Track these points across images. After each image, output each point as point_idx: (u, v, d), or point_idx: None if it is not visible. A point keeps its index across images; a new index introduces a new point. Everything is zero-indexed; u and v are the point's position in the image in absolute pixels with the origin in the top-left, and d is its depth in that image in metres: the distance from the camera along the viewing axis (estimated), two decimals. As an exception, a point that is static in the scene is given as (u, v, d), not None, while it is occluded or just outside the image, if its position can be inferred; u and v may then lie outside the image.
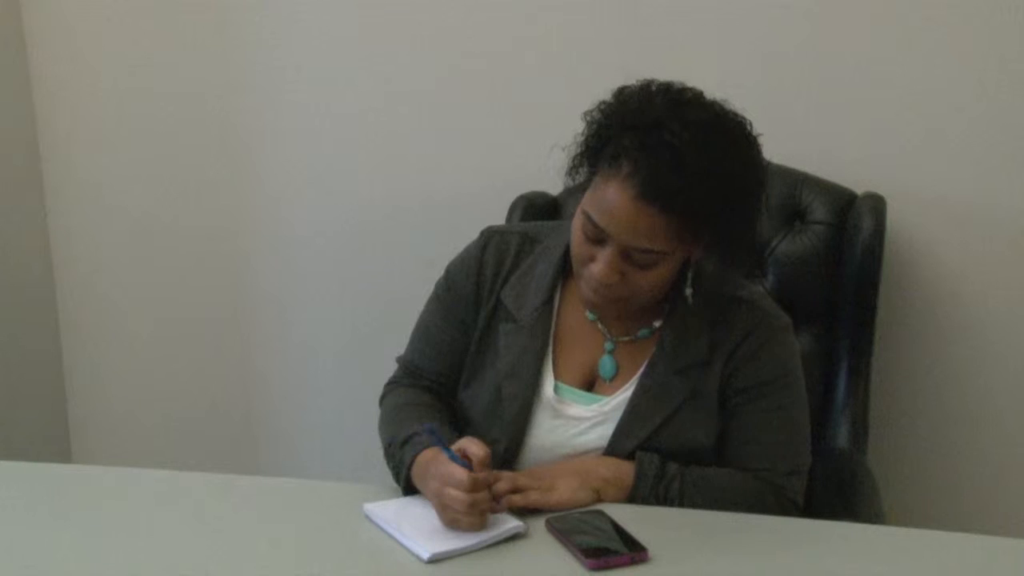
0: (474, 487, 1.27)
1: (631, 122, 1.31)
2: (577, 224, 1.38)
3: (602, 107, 1.39)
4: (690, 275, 1.42)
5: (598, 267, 1.35)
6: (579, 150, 1.40)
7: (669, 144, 1.27)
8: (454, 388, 1.55)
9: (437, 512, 1.31)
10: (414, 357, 1.59)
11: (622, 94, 1.38)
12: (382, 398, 1.60)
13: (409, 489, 1.40)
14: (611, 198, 1.31)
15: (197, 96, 2.31)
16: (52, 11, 2.32)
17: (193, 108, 2.32)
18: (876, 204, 1.84)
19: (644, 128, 1.29)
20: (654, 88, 1.36)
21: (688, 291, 1.42)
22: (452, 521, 1.29)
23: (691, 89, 1.36)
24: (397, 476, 1.43)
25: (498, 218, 1.92)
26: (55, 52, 2.35)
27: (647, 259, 1.34)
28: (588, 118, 1.40)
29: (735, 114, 1.36)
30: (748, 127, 1.36)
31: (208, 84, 2.30)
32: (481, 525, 1.28)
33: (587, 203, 1.36)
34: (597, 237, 1.35)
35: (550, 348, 1.49)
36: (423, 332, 1.58)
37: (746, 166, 1.34)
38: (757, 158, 1.36)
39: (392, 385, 1.60)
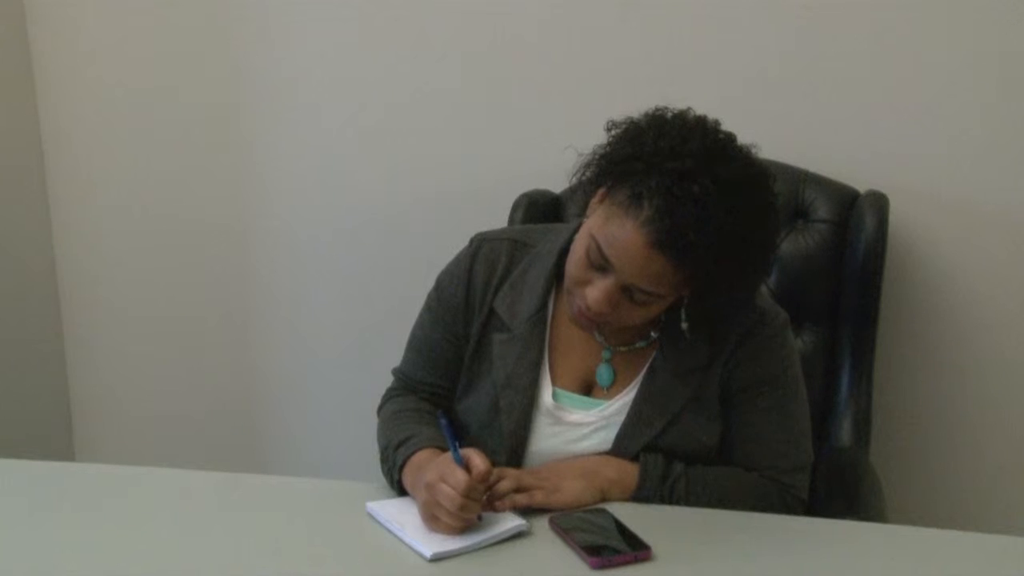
0: (469, 491, 1.26)
1: (660, 163, 1.26)
2: (581, 245, 1.35)
3: (631, 130, 1.34)
4: (684, 311, 1.39)
5: (593, 294, 1.33)
6: (597, 163, 1.37)
7: (697, 199, 1.24)
8: (450, 398, 1.55)
9: (419, 506, 1.30)
10: (408, 369, 1.58)
11: (655, 124, 1.33)
12: (380, 408, 1.59)
13: (402, 491, 1.40)
14: (626, 237, 1.28)
15: (199, 94, 2.31)
16: (55, 9, 2.32)
17: (195, 106, 2.32)
18: (879, 202, 1.84)
19: (673, 175, 1.25)
20: (691, 125, 1.31)
21: (684, 325, 1.39)
22: (431, 519, 1.28)
23: (726, 134, 1.33)
24: (390, 479, 1.43)
25: (501, 216, 1.92)
26: (58, 49, 2.35)
27: (646, 298, 1.32)
28: (613, 133, 1.37)
29: (763, 169, 1.33)
30: (770, 181, 1.33)
31: (211, 82, 2.30)
32: (459, 531, 1.27)
33: (597, 229, 1.32)
34: (600, 266, 1.32)
35: (546, 355, 1.48)
36: (416, 344, 1.57)
37: (765, 229, 1.32)
38: (776, 220, 1.35)
39: (387, 396, 1.60)
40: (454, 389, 1.54)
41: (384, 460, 1.45)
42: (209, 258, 2.41)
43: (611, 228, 1.30)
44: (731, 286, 1.33)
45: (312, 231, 2.33)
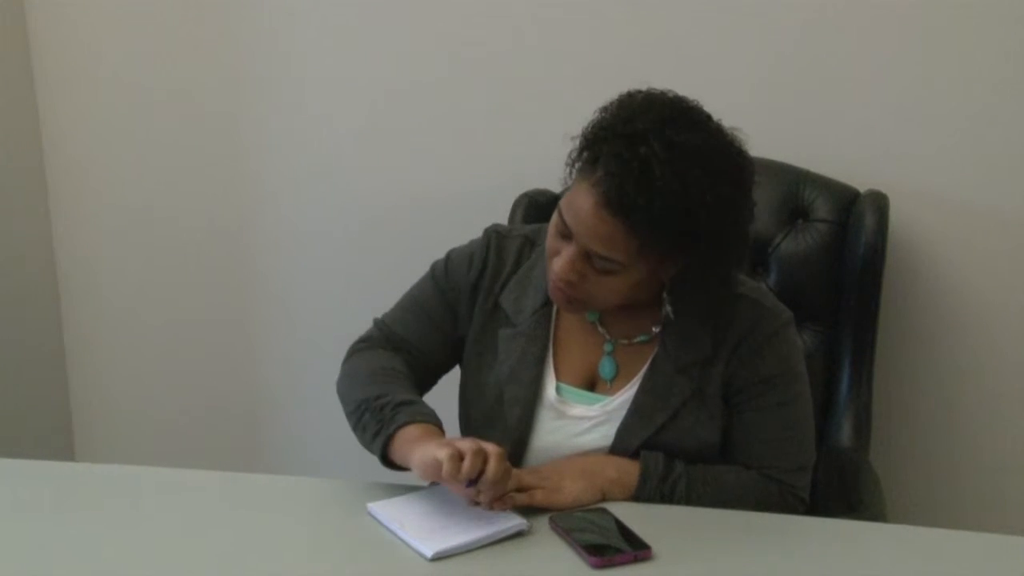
0: (502, 462, 1.25)
1: (619, 130, 1.30)
2: (554, 218, 1.39)
3: (605, 108, 1.37)
4: (666, 294, 1.40)
5: (559, 262, 1.36)
6: (575, 146, 1.39)
7: (643, 159, 1.26)
8: (425, 365, 1.55)
9: (440, 456, 1.24)
10: (395, 325, 1.58)
11: (625, 100, 1.36)
12: (352, 353, 1.58)
13: (385, 454, 1.37)
14: (579, 200, 1.31)
15: (199, 94, 2.31)
16: (55, 10, 2.32)
17: (195, 106, 2.32)
18: (879, 201, 1.84)
19: (626, 138, 1.28)
20: (656, 100, 1.34)
21: (668, 309, 1.40)
22: (449, 474, 1.22)
23: (694, 109, 1.33)
24: (374, 431, 1.38)
25: (501, 216, 1.92)
26: (58, 50, 2.35)
27: (606, 266, 1.33)
28: (593, 116, 1.38)
29: (731, 143, 1.33)
30: (740, 158, 1.33)
31: (211, 83, 2.30)
32: (457, 490, 1.26)
33: (563, 200, 1.36)
34: (565, 234, 1.35)
35: (550, 350, 1.49)
36: (410, 304, 1.58)
37: (722, 198, 1.29)
38: (737, 192, 1.33)
39: (366, 344, 1.59)
40: (432, 359, 1.55)
41: (366, 408, 1.41)
42: (209, 257, 2.41)
43: (570, 194, 1.34)
44: (697, 262, 1.34)
45: (312, 231, 2.33)
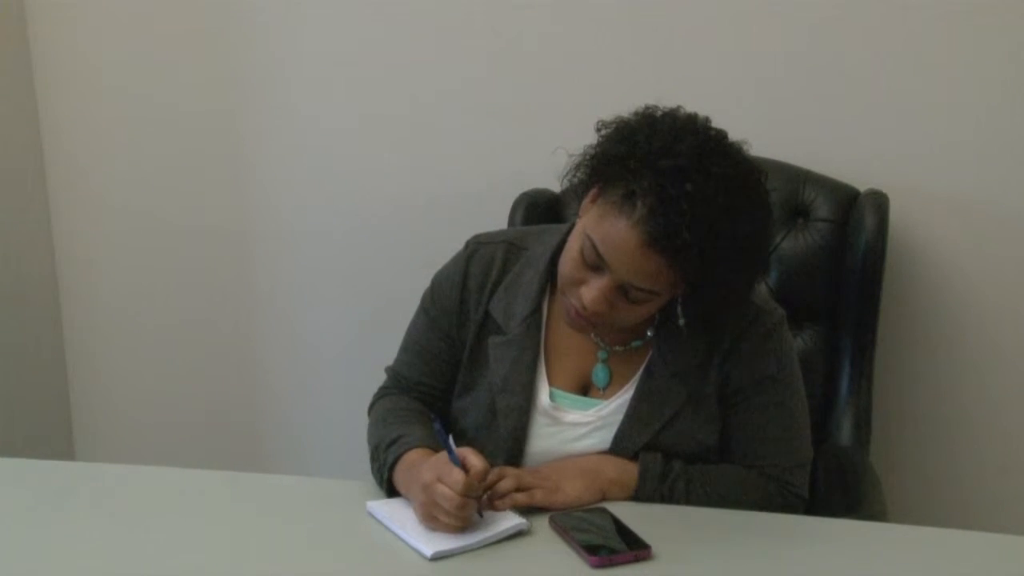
0: (467, 490, 1.25)
1: (652, 162, 1.26)
2: (575, 245, 1.35)
3: (622, 129, 1.34)
4: (680, 308, 1.39)
5: (589, 294, 1.33)
6: (588, 163, 1.37)
7: (690, 196, 1.24)
8: (443, 398, 1.55)
9: (416, 507, 1.30)
10: (402, 369, 1.58)
11: (646, 123, 1.33)
12: (371, 407, 1.59)
13: (391, 491, 1.39)
14: (620, 236, 1.28)
15: (200, 96, 2.31)
16: (55, 9, 2.32)
17: (195, 107, 2.32)
18: (879, 201, 1.84)
19: (666, 173, 1.25)
20: (681, 123, 1.32)
21: (681, 322, 1.39)
22: (430, 518, 1.27)
23: (717, 131, 1.33)
24: (380, 478, 1.42)
25: (501, 216, 1.92)
26: (58, 50, 2.35)
27: (642, 296, 1.32)
28: (603, 133, 1.36)
29: (755, 166, 1.33)
30: (764, 180, 1.34)
31: (211, 84, 2.30)
32: (459, 529, 1.27)
33: (592, 229, 1.32)
34: (595, 265, 1.32)
35: (542, 357, 1.47)
36: (410, 344, 1.58)
37: (759, 225, 1.32)
38: (769, 216, 1.35)
39: (381, 393, 1.60)
40: (448, 390, 1.55)
41: (374, 459, 1.44)
42: (209, 257, 2.41)
43: (605, 227, 1.30)
44: (728, 282, 1.33)
45: (312, 231, 2.33)
